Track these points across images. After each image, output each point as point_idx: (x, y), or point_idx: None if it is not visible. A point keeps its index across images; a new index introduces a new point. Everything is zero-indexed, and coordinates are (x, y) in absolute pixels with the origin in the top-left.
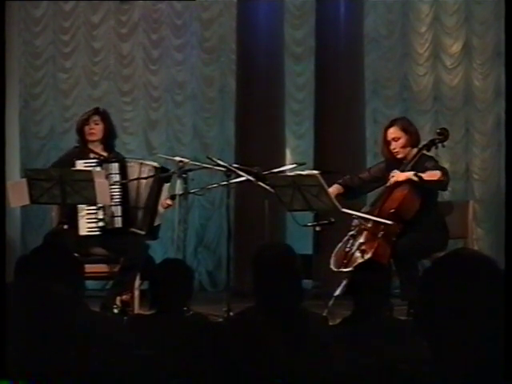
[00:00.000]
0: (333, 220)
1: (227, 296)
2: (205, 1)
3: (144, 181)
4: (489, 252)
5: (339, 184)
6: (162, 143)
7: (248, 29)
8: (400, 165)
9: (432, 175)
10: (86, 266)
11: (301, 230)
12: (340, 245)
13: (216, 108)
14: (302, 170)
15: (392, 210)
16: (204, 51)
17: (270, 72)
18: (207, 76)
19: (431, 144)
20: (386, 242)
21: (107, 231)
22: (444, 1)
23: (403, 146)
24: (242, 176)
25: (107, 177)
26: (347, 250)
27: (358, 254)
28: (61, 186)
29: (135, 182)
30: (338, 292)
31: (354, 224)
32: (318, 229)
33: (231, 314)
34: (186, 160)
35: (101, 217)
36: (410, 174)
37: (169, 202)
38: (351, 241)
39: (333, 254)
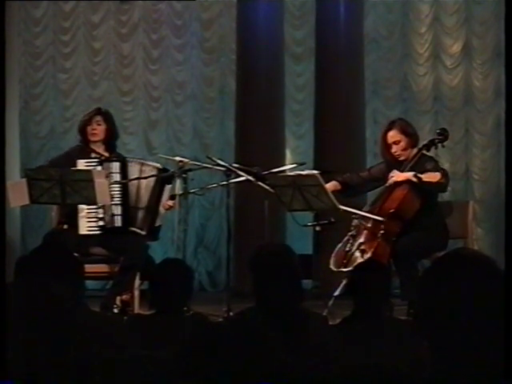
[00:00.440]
0: (333, 220)
1: (227, 296)
2: (205, 1)
3: (144, 181)
4: (489, 252)
5: (337, 181)
6: (161, 143)
7: (248, 29)
8: (400, 165)
9: (432, 177)
10: (86, 265)
11: (301, 230)
12: (340, 245)
13: (216, 108)
14: (302, 170)
15: (392, 210)
16: (204, 51)
17: (270, 72)
18: (207, 76)
19: (431, 144)
20: (385, 242)
21: (107, 230)
22: (444, 1)
23: (404, 149)
24: (241, 176)
25: (108, 176)
26: (347, 249)
27: (357, 253)
28: (61, 185)
29: (136, 181)
30: (337, 292)
31: (353, 224)
32: (318, 229)
33: (231, 313)
34: (186, 160)
35: (101, 216)
36: (409, 175)
37: (170, 203)
38: (351, 241)
39: (333, 254)
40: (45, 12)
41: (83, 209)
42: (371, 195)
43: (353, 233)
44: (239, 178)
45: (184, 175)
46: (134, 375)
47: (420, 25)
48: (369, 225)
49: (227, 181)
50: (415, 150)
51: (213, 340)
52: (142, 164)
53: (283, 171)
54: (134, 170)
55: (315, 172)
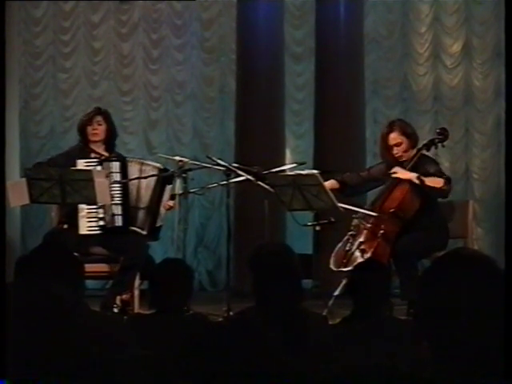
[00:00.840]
0: (333, 219)
1: (227, 296)
2: (205, 1)
3: (145, 180)
4: (489, 252)
5: (336, 180)
6: (161, 143)
7: (248, 29)
8: (400, 165)
9: (435, 182)
10: (86, 265)
11: (301, 230)
12: (340, 244)
13: (216, 108)
14: (302, 170)
15: (392, 210)
16: (204, 51)
17: (270, 72)
18: (207, 76)
19: (431, 144)
20: (385, 242)
21: (107, 230)
22: (444, 1)
23: (405, 150)
24: (241, 176)
25: (108, 175)
26: (347, 249)
27: (357, 253)
28: (61, 185)
29: (136, 181)
30: (337, 292)
31: (353, 224)
32: (317, 228)
33: (231, 313)
34: (186, 160)
35: (101, 216)
36: (412, 176)
37: (171, 203)
38: (351, 240)
39: (333, 254)
40: (45, 12)
41: (83, 208)
42: (371, 195)
43: (353, 232)
44: (239, 178)
45: (184, 175)
46: (134, 375)
47: (420, 25)
48: (369, 224)
49: (227, 181)
50: (415, 150)
51: (213, 340)
52: (142, 164)
53: (283, 171)
54: (133, 170)
55: (315, 171)
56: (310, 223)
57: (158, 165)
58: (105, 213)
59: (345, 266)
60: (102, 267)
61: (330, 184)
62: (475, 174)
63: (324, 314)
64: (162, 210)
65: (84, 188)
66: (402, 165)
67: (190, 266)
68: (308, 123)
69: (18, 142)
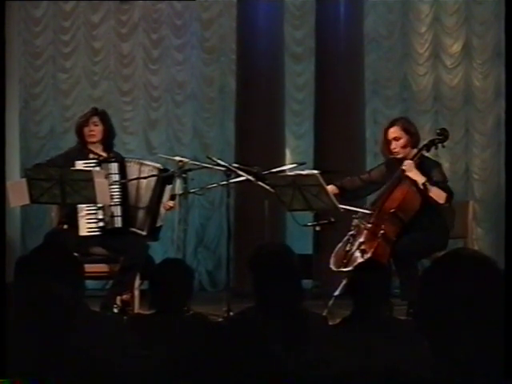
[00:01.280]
0: (333, 220)
1: (227, 296)
2: (205, 1)
3: (144, 181)
4: (489, 252)
5: (335, 185)
6: (161, 143)
7: (248, 29)
8: (400, 165)
9: (438, 196)
10: (86, 265)
11: (301, 230)
12: (340, 245)
13: (216, 108)
14: (302, 170)
15: (392, 210)
16: (204, 51)
17: (270, 72)
18: (207, 76)
19: (431, 144)
20: (385, 242)
21: (107, 231)
22: (444, 1)
23: (404, 146)
24: (241, 176)
25: (107, 177)
26: (347, 249)
27: (357, 253)
28: (61, 185)
29: (135, 181)
30: (337, 292)
31: (353, 224)
32: (317, 229)
33: (231, 313)
34: (186, 160)
35: (101, 217)
36: (419, 179)
37: (171, 203)
38: (351, 240)
39: (333, 254)
40: (45, 12)
41: (83, 209)
42: (371, 195)
43: (353, 233)
44: (239, 178)
45: (184, 175)
46: (134, 375)
47: (420, 25)
48: (369, 225)
49: (227, 181)
50: (415, 151)
51: (213, 340)
52: (141, 164)
53: (283, 171)
54: (132, 171)
55: (315, 172)
56: (310, 223)
57: (157, 165)
58: (104, 214)
59: (345, 266)
60: (102, 267)
61: (329, 190)
62: (475, 174)
63: (324, 314)
64: (162, 210)
65: (84, 188)
66: (402, 163)
67: (189, 266)
68: (308, 123)
69: (17, 142)
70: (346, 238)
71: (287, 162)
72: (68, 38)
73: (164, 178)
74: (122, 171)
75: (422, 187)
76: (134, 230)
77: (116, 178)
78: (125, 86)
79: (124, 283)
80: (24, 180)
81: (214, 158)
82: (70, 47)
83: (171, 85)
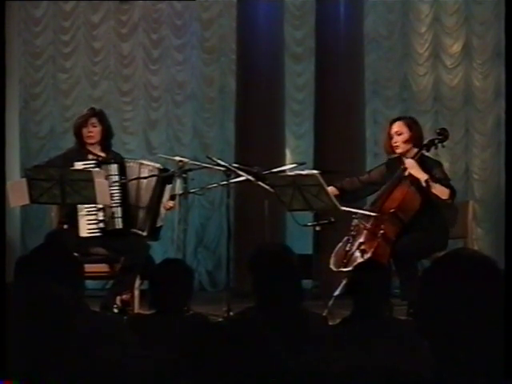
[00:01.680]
0: (333, 220)
1: (227, 296)
2: (205, 1)
3: (144, 181)
4: (489, 252)
5: (335, 187)
6: (161, 143)
7: (248, 29)
8: (401, 165)
9: (441, 192)
10: (86, 265)
11: (301, 230)
12: (340, 245)
13: (216, 108)
14: (302, 170)
15: (392, 210)
16: (204, 51)
17: (270, 72)
18: (207, 76)
19: (431, 144)
20: (385, 242)
21: (108, 232)
22: (444, 1)
23: (405, 141)
24: (241, 176)
25: (106, 178)
26: (347, 249)
27: (357, 253)
28: (60, 185)
29: (135, 182)
30: (337, 292)
31: (353, 224)
32: (317, 229)
33: (231, 313)
34: (186, 160)
35: (101, 218)
36: (422, 177)
37: (171, 204)
38: (351, 240)
39: (333, 254)
40: (45, 12)
41: (83, 210)
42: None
43: (353, 233)
44: (239, 178)
45: (184, 175)
46: (134, 375)
47: (420, 25)
48: (369, 225)
49: (227, 181)
50: (416, 150)
51: (213, 340)
52: (141, 164)
53: (283, 171)
54: (132, 171)
55: (315, 172)
56: (310, 223)
57: (157, 165)
58: (105, 215)
59: (345, 267)
60: (103, 267)
61: (329, 191)
62: (475, 174)
63: (324, 314)
64: (162, 211)
65: (84, 188)
66: (402, 163)
67: (190, 266)
68: (308, 123)
69: (17, 142)
70: (345, 238)
71: (287, 161)
72: (68, 38)
73: (164, 177)
74: (122, 172)
75: (424, 184)
76: (134, 230)
77: (116, 179)
78: (125, 86)
79: (124, 283)
80: (24, 180)
81: (214, 158)
82: (70, 47)
83: (171, 85)
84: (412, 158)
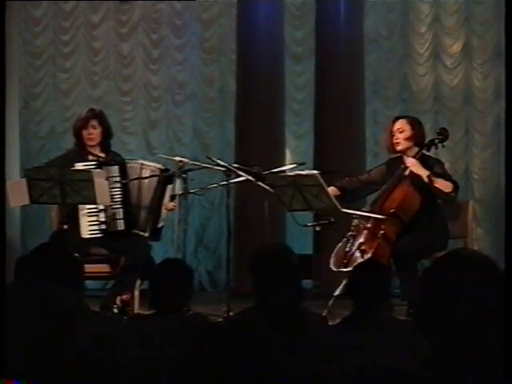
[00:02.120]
0: (333, 220)
1: (227, 296)
2: (205, 1)
3: (145, 182)
4: (489, 252)
5: (335, 187)
6: (161, 143)
7: (248, 29)
8: (401, 165)
9: (444, 185)
10: (87, 266)
11: (301, 230)
12: (340, 245)
13: (216, 108)
14: (302, 170)
15: (392, 210)
16: (204, 51)
17: (270, 72)
18: (207, 76)
19: (431, 144)
20: (385, 242)
21: (109, 233)
22: (444, 1)
23: (406, 139)
24: (241, 176)
25: (107, 179)
26: (347, 250)
27: (357, 254)
28: (61, 185)
29: (136, 183)
30: (337, 292)
31: (353, 224)
32: (318, 229)
33: (231, 313)
34: (186, 160)
35: (103, 219)
36: (423, 173)
37: (171, 205)
38: (351, 241)
39: (332, 254)
40: (45, 12)
41: (84, 212)
42: (371, 195)
43: (353, 233)
44: (239, 178)
45: (184, 175)
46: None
47: (420, 25)
48: (369, 225)
49: (227, 181)
50: (416, 149)
51: (213, 340)
52: (142, 164)
53: (283, 171)
54: (133, 172)
55: (315, 172)
56: (310, 224)
57: (158, 165)
58: (106, 216)
59: (345, 267)
60: (103, 267)
61: (331, 191)
62: (475, 174)
63: (324, 314)
64: (163, 211)
65: (84, 188)
66: (402, 162)
67: (190, 267)
68: (308, 123)
69: (17, 142)
70: (345, 238)
71: (287, 162)
72: (68, 38)
73: (165, 178)
74: (123, 173)
75: (426, 180)
76: (136, 231)
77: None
78: (125, 86)
79: (125, 284)
80: (24, 180)
81: (214, 158)
82: (70, 47)
83: (171, 85)
84: (413, 157)
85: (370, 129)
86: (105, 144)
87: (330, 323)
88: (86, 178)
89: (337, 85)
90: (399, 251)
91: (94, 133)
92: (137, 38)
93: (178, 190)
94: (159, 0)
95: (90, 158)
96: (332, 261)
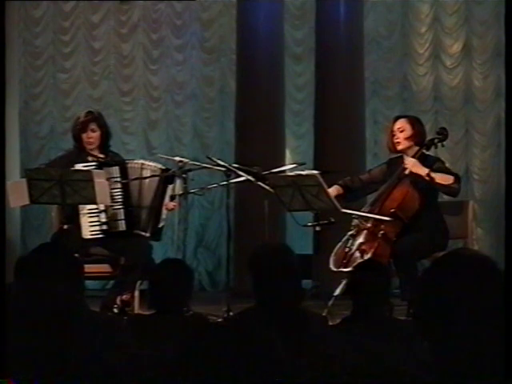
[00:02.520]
0: (333, 220)
1: (227, 296)
2: (205, 1)
3: (146, 182)
4: (489, 252)
5: (339, 185)
6: (161, 143)
7: (248, 29)
8: (401, 164)
9: (445, 179)
10: (88, 266)
11: (301, 230)
12: (339, 244)
13: (216, 108)
14: (302, 170)
15: (392, 210)
16: (204, 51)
17: (270, 72)
18: (207, 76)
19: (430, 144)
20: (385, 242)
21: (111, 234)
22: (444, 1)
23: (406, 138)
24: (241, 176)
25: (108, 180)
26: (346, 250)
27: (357, 254)
28: (61, 185)
29: (137, 183)
30: (337, 292)
31: (353, 224)
32: (318, 229)
33: (231, 313)
34: (186, 160)
35: (104, 220)
36: (423, 172)
37: (172, 205)
38: (351, 240)
39: (332, 254)
40: (45, 12)
41: (85, 212)
42: (370, 195)
43: (352, 232)
44: (239, 178)
45: (184, 175)
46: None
47: (420, 25)
48: (369, 225)
49: (227, 181)
50: (416, 148)
51: (213, 340)
52: (142, 164)
53: (283, 171)
54: (134, 172)
55: (315, 172)
56: (310, 224)
57: (159, 165)
58: (107, 217)
59: (345, 267)
60: (104, 267)
61: (334, 190)
62: (475, 174)
63: (324, 314)
64: (164, 211)
65: (84, 188)
66: (403, 162)
67: (189, 267)
68: (308, 123)
69: (17, 142)
70: (345, 238)
71: (287, 161)
72: (68, 38)
73: (165, 177)
74: (124, 173)
75: (427, 178)
76: (137, 232)
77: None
78: (125, 86)
79: (126, 284)
80: (24, 180)
81: (214, 158)
82: (70, 47)
83: (171, 85)
84: (412, 156)
85: (370, 129)
86: (104, 146)
87: (330, 323)
88: (86, 178)
89: (337, 85)
90: (399, 251)
91: (93, 136)
92: (137, 38)
93: (178, 190)
94: (159, 0)
95: (90, 159)
96: (331, 261)
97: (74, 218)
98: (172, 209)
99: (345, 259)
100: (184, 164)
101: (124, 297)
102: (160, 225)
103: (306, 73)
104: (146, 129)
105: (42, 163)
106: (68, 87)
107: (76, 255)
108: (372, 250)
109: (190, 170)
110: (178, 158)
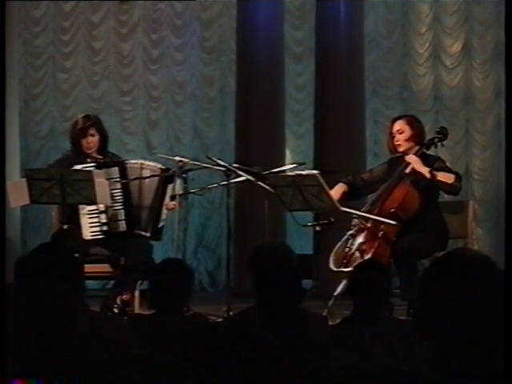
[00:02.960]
0: (333, 220)
1: (227, 296)
2: (205, 1)
3: (146, 182)
4: (489, 252)
5: (344, 183)
6: (161, 143)
7: (248, 29)
8: (402, 164)
9: (446, 177)
10: (88, 266)
11: (301, 230)
12: (339, 244)
13: (216, 108)
14: (302, 170)
15: (392, 210)
16: (204, 51)
17: (270, 72)
18: (207, 76)
19: (430, 143)
20: (385, 242)
21: (111, 235)
22: (444, 1)
23: (406, 140)
24: (242, 176)
25: (108, 181)
26: (346, 249)
27: (357, 254)
28: (61, 185)
29: (137, 183)
30: (337, 292)
31: (353, 224)
32: (318, 229)
33: (231, 313)
34: (186, 160)
35: (104, 221)
36: (425, 170)
37: (172, 204)
38: (350, 240)
39: (332, 254)
40: (45, 12)
41: (85, 213)
42: (370, 194)
43: (352, 232)
44: (239, 178)
45: (184, 175)
46: (134, 375)
47: (420, 25)
48: (369, 225)
49: (227, 181)
50: (417, 148)
51: (213, 340)
52: (142, 164)
53: (283, 171)
54: (133, 172)
55: (315, 172)
56: (310, 223)
57: (158, 165)
58: (108, 218)
59: (345, 267)
60: (104, 267)
61: (340, 187)
62: (475, 174)
63: (324, 314)
64: (164, 211)
65: (84, 188)
66: (404, 161)
67: (189, 267)
68: (308, 123)
69: (17, 142)
70: (345, 237)
71: (287, 162)
72: (68, 38)
73: (165, 177)
74: (123, 174)
75: (428, 176)
76: (138, 232)
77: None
78: (125, 86)
79: (126, 284)
80: (24, 180)
81: (214, 158)
82: (70, 47)
83: (171, 85)
84: (413, 155)
85: (370, 129)
86: (102, 148)
87: (330, 323)
88: (86, 177)
89: (337, 85)
90: (399, 251)
91: (92, 141)
92: (137, 38)
93: (178, 190)
94: (159, 0)
95: (89, 160)
96: (331, 261)
97: (74, 218)
98: (172, 208)
99: (345, 259)
100: (184, 164)
101: (124, 297)
102: (160, 225)
103: (305, 73)
104: (146, 129)
105: (43, 163)
106: (68, 87)
107: (76, 255)
108: (372, 250)
109: (190, 170)
110: (177, 158)
